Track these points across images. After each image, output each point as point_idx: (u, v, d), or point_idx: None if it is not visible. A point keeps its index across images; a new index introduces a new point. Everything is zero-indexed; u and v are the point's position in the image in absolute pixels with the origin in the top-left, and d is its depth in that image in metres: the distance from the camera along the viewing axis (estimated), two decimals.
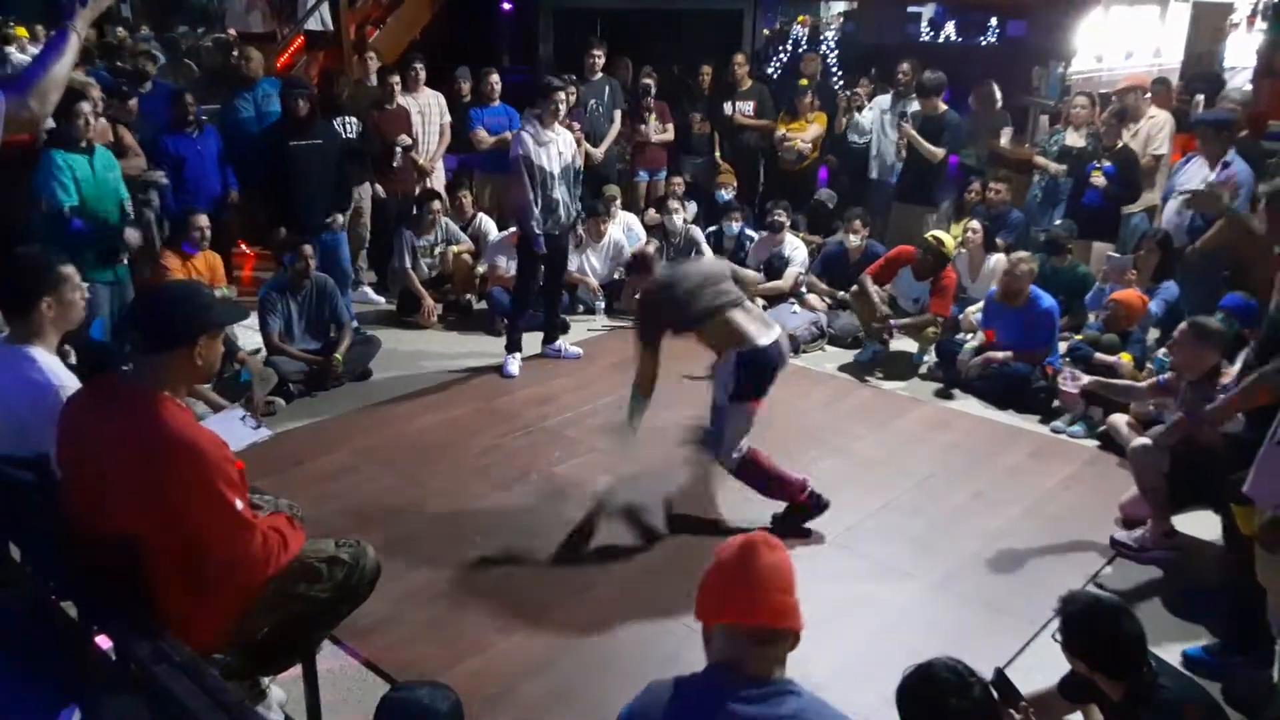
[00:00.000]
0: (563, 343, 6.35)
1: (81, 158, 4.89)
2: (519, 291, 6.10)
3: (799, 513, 4.15)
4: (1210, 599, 3.67)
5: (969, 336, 6.00)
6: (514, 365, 6.02)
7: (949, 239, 6.15)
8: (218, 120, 6.88)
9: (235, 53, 8.39)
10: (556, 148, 5.70)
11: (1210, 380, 3.93)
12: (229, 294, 5.96)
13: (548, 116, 5.66)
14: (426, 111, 7.34)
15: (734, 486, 4.29)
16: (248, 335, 5.72)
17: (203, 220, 5.66)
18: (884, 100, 7.74)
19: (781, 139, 8.07)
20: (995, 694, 2.53)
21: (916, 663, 2.23)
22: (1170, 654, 2.58)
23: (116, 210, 5.04)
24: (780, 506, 4.18)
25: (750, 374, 3.97)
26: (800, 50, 11.91)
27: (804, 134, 8.06)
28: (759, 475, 4.13)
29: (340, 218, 6.51)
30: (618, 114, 8.06)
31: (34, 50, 8.93)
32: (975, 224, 6.52)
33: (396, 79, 7.20)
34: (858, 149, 8.01)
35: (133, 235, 5.12)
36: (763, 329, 4.02)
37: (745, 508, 4.28)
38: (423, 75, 7.39)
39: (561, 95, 5.72)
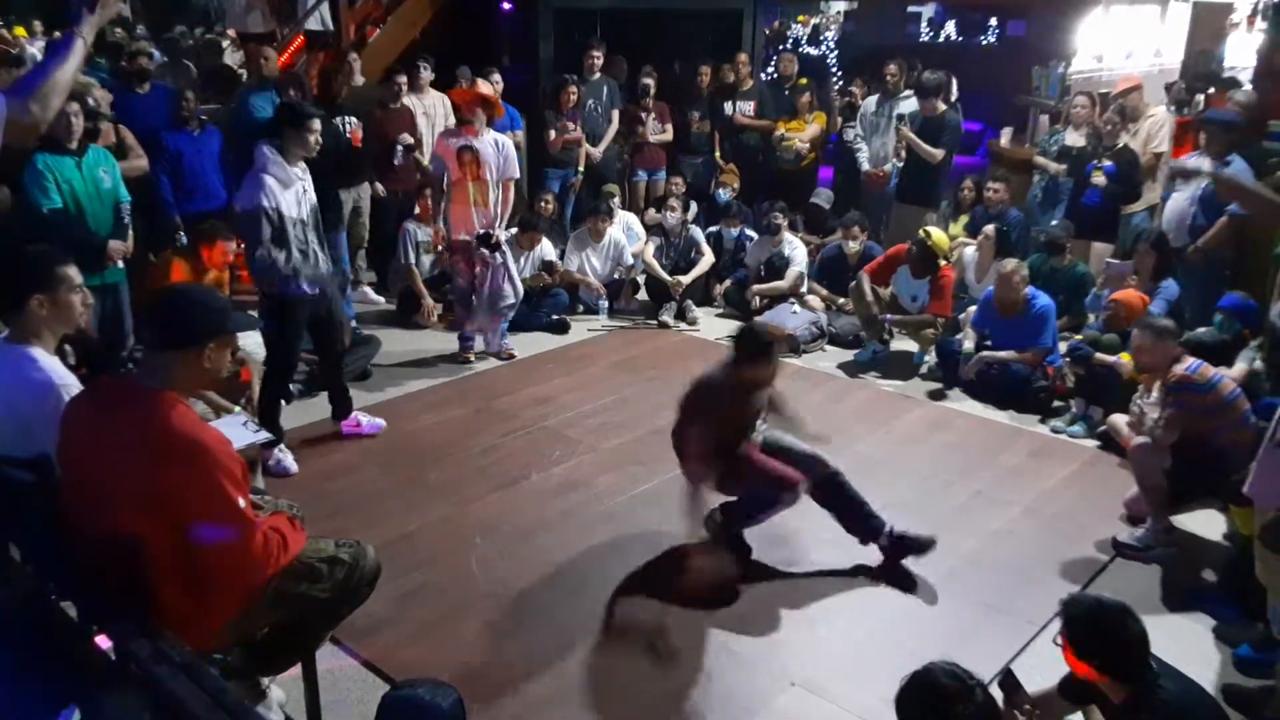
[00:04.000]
0: (358, 416, 5.12)
1: (69, 159, 4.73)
2: (272, 371, 4.75)
3: None
4: (1209, 597, 3.69)
5: (962, 336, 5.99)
6: (288, 458, 4.71)
7: (939, 234, 6.10)
8: (227, 119, 6.82)
9: (241, 54, 8.36)
10: (301, 188, 4.52)
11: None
12: None
13: (294, 152, 4.46)
14: (431, 113, 7.34)
15: None
16: (248, 335, 5.70)
17: (232, 245, 5.37)
18: (870, 102, 7.72)
19: (780, 139, 8.07)
20: (1001, 693, 2.53)
21: (915, 666, 2.23)
22: (1169, 654, 2.56)
23: (111, 212, 4.89)
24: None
25: None
26: (799, 50, 11.92)
27: (802, 134, 8.06)
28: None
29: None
30: (615, 114, 8.07)
31: (33, 51, 8.92)
32: (990, 229, 6.48)
33: (403, 79, 7.19)
34: (853, 147, 8.00)
35: (117, 247, 4.90)
36: None
37: None
38: (428, 76, 7.38)
39: (316, 124, 4.48)
